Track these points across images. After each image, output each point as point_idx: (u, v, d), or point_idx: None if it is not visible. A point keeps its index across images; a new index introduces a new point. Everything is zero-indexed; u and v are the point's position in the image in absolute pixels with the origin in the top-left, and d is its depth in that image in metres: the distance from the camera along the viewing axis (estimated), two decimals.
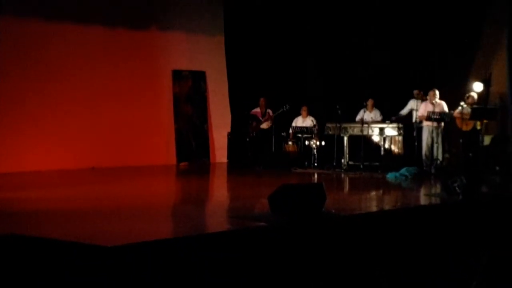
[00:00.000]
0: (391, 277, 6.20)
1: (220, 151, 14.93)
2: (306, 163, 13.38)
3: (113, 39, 13.17)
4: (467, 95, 12.51)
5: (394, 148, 13.28)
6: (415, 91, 12.94)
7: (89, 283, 4.66)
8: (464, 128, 12.38)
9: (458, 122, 12.44)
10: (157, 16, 13.96)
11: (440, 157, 12.33)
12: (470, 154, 12.42)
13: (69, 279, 4.78)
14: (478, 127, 12.24)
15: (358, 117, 13.32)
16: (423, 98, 12.71)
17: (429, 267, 6.64)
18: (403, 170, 11.36)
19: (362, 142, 12.80)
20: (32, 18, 12.05)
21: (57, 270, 4.88)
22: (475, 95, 12.49)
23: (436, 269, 6.62)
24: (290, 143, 13.85)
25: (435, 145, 12.29)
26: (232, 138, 14.86)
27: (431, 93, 12.38)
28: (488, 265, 3.36)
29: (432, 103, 12.27)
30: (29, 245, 5.14)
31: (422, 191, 10.32)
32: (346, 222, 6.62)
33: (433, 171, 12.00)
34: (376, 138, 13.19)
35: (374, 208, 8.23)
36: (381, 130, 13.00)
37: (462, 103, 12.41)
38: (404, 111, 13.15)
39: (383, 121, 13.19)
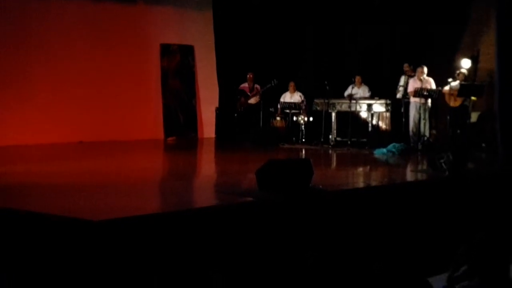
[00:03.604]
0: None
1: (208, 126, 14.91)
2: (294, 138, 13.38)
3: (100, 13, 13.05)
4: (457, 71, 12.53)
5: (382, 124, 13.32)
6: (405, 65, 12.84)
7: (75, 257, 4.67)
8: (452, 104, 12.42)
9: (446, 98, 12.47)
10: None
11: (427, 134, 12.37)
12: (458, 131, 12.48)
13: (55, 253, 4.78)
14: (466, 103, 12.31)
15: (346, 93, 13.32)
16: (411, 74, 12.68)
17: (415, 244, 6.69)
18: (390, 146, 11.39)
19: (350, 118, 12.82)
20: None
21: (43, 244, 4.88)
22: (465, 72, 12.50)
23: (422, 247, 6.68)
24: (278, 118, 13.85)
25: (422, 122, 12.31)
26: (220, 113, 14.84)
27: (419, 69, 12.37)
28: (478, 245, 3.38)
29: (420, 80, 12.27)
30: (15, 219, 5.13)
31: (409, 167, 10.37)
32: (333, 197, 6.64)
33: (420, 147, 12.04)
34: (364, 114, 13.22)
35: (361, 184, 8.27)
36: (369, 106, 13.03)
37: (450, 80, 12.44)
38: (401, 87, 12.98)
39: (371, 97, 13.20)
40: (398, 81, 12.97)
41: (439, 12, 13.17)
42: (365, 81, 13.47)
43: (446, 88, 12.44)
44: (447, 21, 13.09)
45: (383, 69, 13.80)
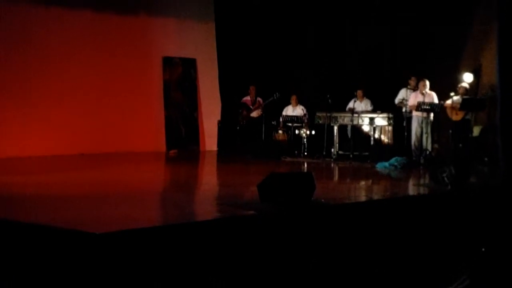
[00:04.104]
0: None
1: (210, 139, 14.91)
2: (296, 152, 13.37)
3: (102, 25, 13.07)
4: (458, 85, 12.53)
5: (384, 138, 13.31)
6: (413, 78, 12.86)
7: (77, 270, 4.66)
8: (454, 118, 12.41)
9: (448, 112, 12.47)
10: (147, 1, 13.87)
11: (429, 148, 12.35)
12: (460, 145, 12.46)
13: (57, 266, 4.77)
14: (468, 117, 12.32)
15: (348, 107, 13.33)
16: (414, 89, 12.70)
17: (417, 258, 6.67)
18: (393, 160, 11.39)
19: (352, 132, 12.81)
20: (18, 3, 11.93)
21: (45, 257, 4.87)
22: (466, 86, 12.52)
23: (425, 261, 6.66)
24: (280, 131, 13.86)
25: (424, 136, 12.31)
26: (222, 126, 14.84)
27: (421, 83, 12.38)
28: (481, 260, 3.38)
29: (422, 94, 12.27)
30: (17, 231, 5.13)
31: (411, 181, 10.35)
32: (335, 211, 6.63)
33: (422, 161, 12.02)
34: (366, 127, 13.21)
35: (363, 198, 8.26)
36: (371, 120, 13.01)
37: (452, 94, 12.45)
38: (404, 101, 13.00)
39: (373, 111, 13.19)
40: (397, 93, 13.03)
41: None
42: (367, 95, 13.48)
43: (448, 102, 12.45)
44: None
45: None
